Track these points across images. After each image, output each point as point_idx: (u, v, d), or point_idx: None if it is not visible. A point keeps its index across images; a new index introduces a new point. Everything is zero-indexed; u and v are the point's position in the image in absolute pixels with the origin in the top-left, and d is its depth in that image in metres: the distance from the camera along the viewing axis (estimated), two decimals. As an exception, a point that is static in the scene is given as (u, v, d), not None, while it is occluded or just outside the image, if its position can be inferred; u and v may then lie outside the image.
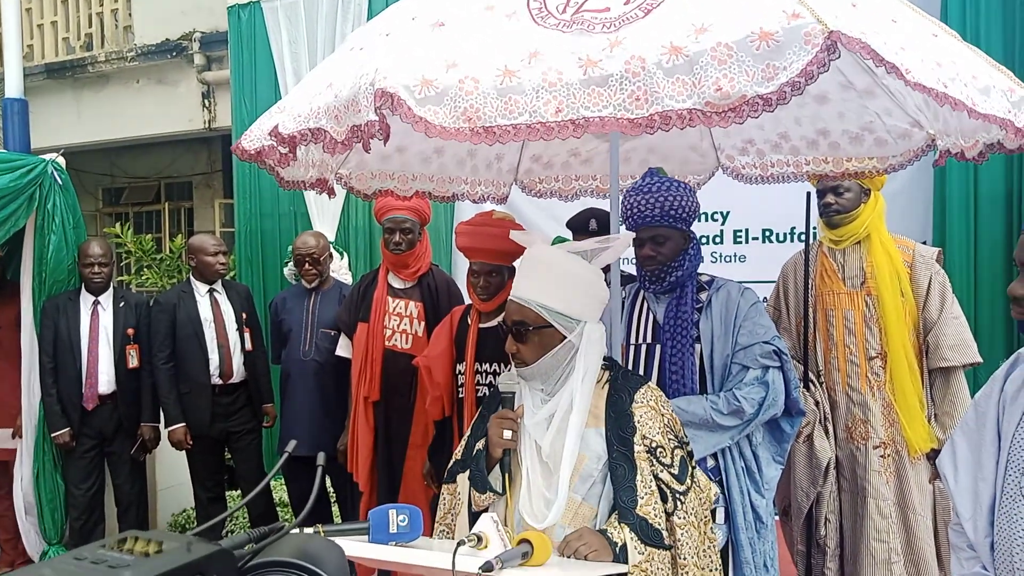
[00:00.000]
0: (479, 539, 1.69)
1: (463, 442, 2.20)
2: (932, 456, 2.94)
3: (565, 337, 1.95)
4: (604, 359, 2.05)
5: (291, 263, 5.26)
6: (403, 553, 1.74)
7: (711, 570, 1.93)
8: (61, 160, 4.48)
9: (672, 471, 1.92)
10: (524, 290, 1.99)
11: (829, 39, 1.54)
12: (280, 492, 4.98)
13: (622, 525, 1.84)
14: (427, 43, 1.87)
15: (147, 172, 10.36)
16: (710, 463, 2.53)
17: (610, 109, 1.68)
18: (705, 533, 1.94)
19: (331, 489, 4.46)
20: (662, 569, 1.82)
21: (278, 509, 4.72)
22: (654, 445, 1.92)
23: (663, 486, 1.90)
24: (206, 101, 7.91)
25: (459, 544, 1.64)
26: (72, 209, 4.49)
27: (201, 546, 0.49)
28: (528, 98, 1.71)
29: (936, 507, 3.02)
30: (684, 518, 1.88)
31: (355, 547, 1.75)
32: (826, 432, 3.04)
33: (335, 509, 4.53)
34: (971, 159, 2.36)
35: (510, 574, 1.61)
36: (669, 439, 1.96)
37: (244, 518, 4.77)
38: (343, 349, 3.83)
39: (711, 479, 2.48)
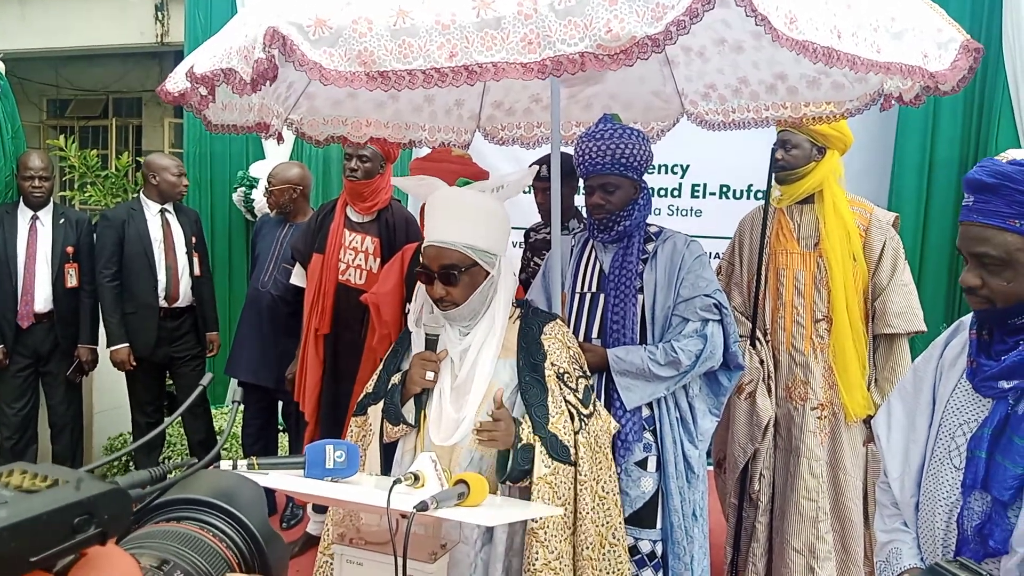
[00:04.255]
0: (416, 478, 1.69)
1: (375, 376, 2.24)
2: (868, 420, 2.98)
3: (488, 273, 2.05)
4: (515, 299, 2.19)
5: (240, 188, 5.14)
6: (338, 489, 1.72)
7: (611, 493, 2.09)
8: (0, 65, 4.27)
9: (577, 395, 2.08)
10: (445, 233, 2.03)
11: None
12: (220, 421, 4.93)
13: (535, 436, 1.96)
14: None
15: (94, 85, 9.98)
16: (645, 412, 2.54)
17: (503, 54, 1.62)
18: (607, 456, 2.09)
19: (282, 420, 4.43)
20: (565, 483, 1.96)
21: (219, 438, 4.67)
22: (561, 371, 2.07)
23: (570, 408, 2.04)
24: (159, 14, 7.61)
25: (395, 482, 1.63)
26: (11, 118, 4.31)
27: (92, 483, 0.45)
28: (422, 41, 1.65)
29: (868, 469, 3.08)
30: (586, 439, 2.03)
31: (289, 482, 1.73)
32: (769, 391, 3.06)
33: (284, 441, 4.51)
34: (908, 103, 2.35)
35: (445, 513, 1.60)
36: (575, 368, 2.12)
37: (183, 446, 4.72)
38: (297, 277, 3.77)
39: (645, 428, 2.53)
